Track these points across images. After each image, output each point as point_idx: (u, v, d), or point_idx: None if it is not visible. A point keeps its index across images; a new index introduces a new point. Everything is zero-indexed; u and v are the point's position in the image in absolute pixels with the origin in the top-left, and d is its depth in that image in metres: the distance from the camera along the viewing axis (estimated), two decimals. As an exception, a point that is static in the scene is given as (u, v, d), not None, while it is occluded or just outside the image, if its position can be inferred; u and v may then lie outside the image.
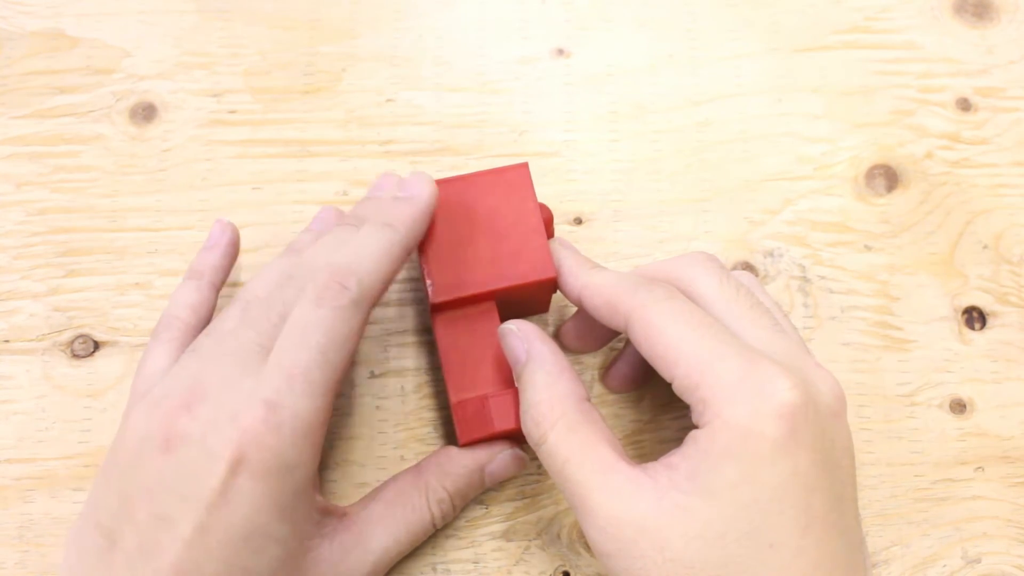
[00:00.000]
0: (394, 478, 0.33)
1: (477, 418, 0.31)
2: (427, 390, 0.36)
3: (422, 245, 0.33)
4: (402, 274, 0.38)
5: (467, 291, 0.32)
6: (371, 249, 0.30)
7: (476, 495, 0.34)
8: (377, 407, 0.36)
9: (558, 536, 0.34)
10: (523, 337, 0.30)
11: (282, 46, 0.41)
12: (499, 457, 0.33)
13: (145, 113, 0.40)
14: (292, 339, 0.28)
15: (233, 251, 0.35)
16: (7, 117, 0.40)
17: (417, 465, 0.33)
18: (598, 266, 0.32)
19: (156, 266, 0.37)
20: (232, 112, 0.40)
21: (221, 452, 0.26)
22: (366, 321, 0.29)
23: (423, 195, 0.32)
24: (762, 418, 0.26)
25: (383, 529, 0.31)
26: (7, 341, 0.36)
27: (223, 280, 0.34)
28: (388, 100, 0.40)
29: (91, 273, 0.37)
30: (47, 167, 0.39)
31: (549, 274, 0.32)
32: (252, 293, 0.30)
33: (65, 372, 0.36)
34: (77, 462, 0.35)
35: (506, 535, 0.34)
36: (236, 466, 0.26)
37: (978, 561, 0.35)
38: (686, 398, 0.28)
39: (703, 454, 0.26)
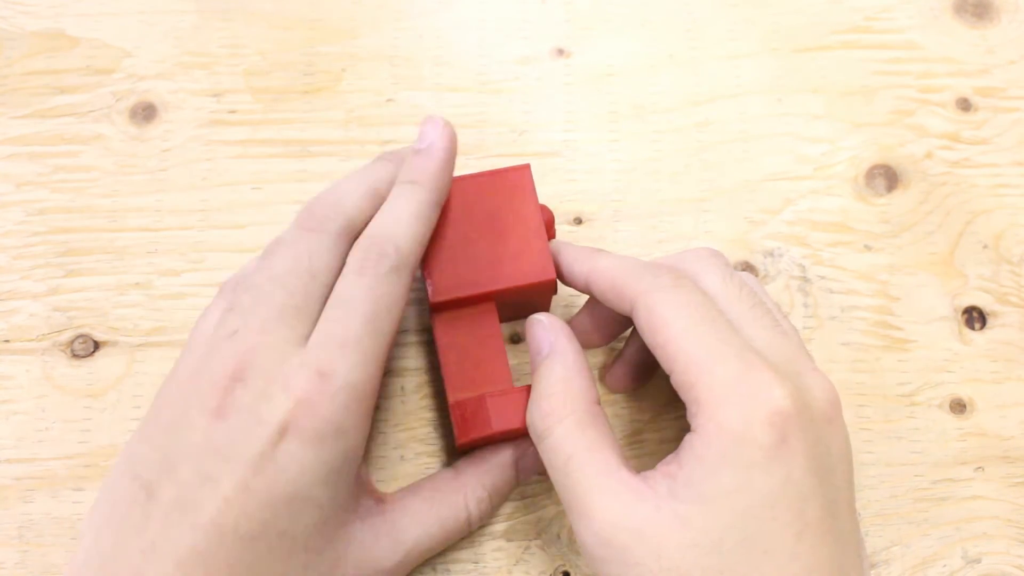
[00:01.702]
0: (431, 476, 0.33)
1: (475, 418, 0.31)
2: (427, 390, 0.36)
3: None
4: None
5: (466, 291, 0.32)
6: (403, 212, 0.30)
7: (510, 493, 0.34)
8: (377, 407, 0.36)
9: (558, 536, 0.34)
10: (550, 330, 0.30)
11: (282, 46, 0.41)
12: (530, 451, 0.33)
13: (145, 113, 0.40)
14: (340, 309, 0.28)
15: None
16: (7, 117, 0.40)
17: (454, 466, 0.33)
18: (602, 251, 0.32)
19: (156, 266, 0.37)
20: (232, 112, 0.40)
21: (272, 419, 0.27)
22: (409, 286, 0.30)
23: (440, 145, 0.31)
24: (754, 425, 0.26)
25: (417, 522, 0.31)
26: (7, 341, 0.36)
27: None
28: (388, 100, 0.40)
29: (91, 273, 0.37)
30: (47, 167, 0.39)
31: (549, 275, 0.32)
32: (280, 255, 0.30)
33: (65, 372, 0.36)
34: (77, 462, 0.35)
35: (506, 535, 0.34)
36: (286, 431, 0.26)
37: (978, 561, 0.35)
38: (681, 395, 0.28)
39: (699, 460, 0.26)
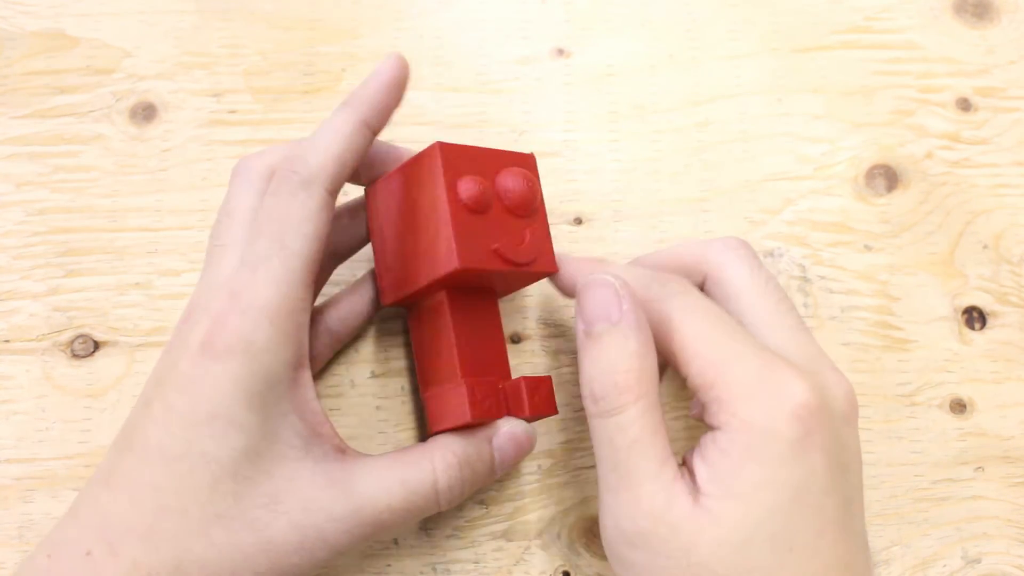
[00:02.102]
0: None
1: (442, 411, 0.31)
2: (427, 390, 0.36)
3: (374, 249, 0.33)
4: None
5: (401, 292, 0.32)
6: (322, 132, 0.30)
7: (486, 476, 0.31)
8: (378, 407, 0.36)
9: (558, 536, 0.34)
10: (624, 295, 0.28)
11: (282, 46, 0.41)
12: (504, 429, 0.31)
13: (145, 113, 0.40)
14: (253, 232, 0.29)
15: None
16: (7, 117, 0.40)
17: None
18: (607, 261, 0.32)
19: (156, 266, 0.37)
20: (232, 112, 0.40)
21: (194, 340, 0.28)
22: (326, 206, 0.29)
23: (382, 69, 0.31)
24: (779, 419, 0.26)
25: (375, 476, 0.29)
26: (7, 341, 0.36)
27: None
28: (388, 100, 0.40)
29: (91, 273, 0.37)
30: (47, 167, 0.39)
31: (453, 265, 0.29)
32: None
33: (65, 372, 0.36)
34: (77, 462, 0.35)
35: (506, 535, 0.34)
36: (203, 348, 0.27)
37: (978, 561, 0.35)
38: (700, 396, 0.27)
39: (723, 455, 0.26)
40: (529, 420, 0.32)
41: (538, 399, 0.31)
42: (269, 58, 0.41)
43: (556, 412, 0.32)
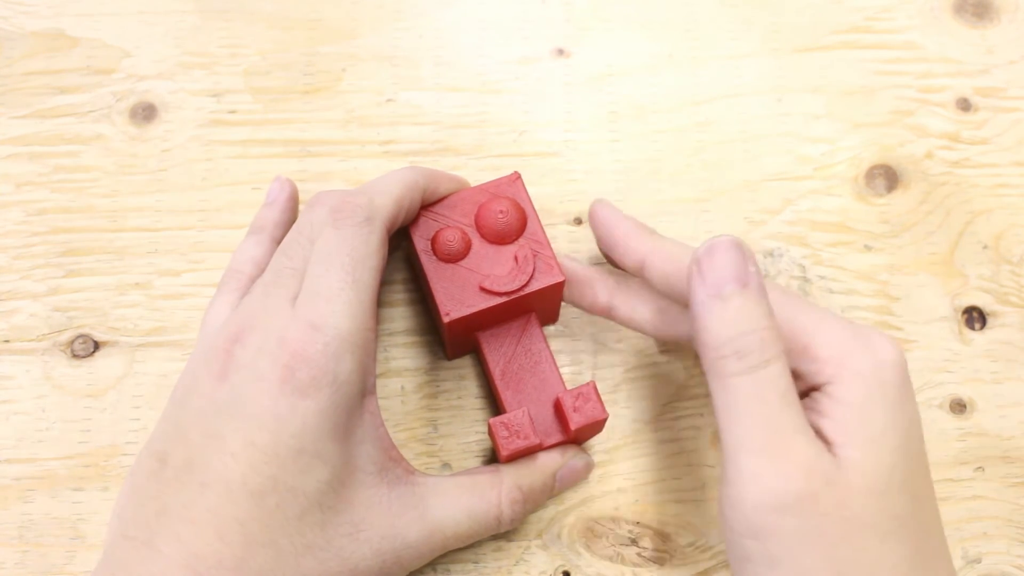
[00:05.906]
0: (469, 469, 0.33)
1: (495, 444, 0.32)
2: (427, 390, 0.36)
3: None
4: (400, 275, 0.38)
5: (444, 340, 0.34)
6: (385, 177, 0.32)
7: (544, 501, 0.33)
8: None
9: (558, 536, 0.34)
10: (750, 259, 0.27)
11: (282, 46, 0.41)
12: (571, 461, 0.33)
13: (145, 113, 0.40)
14: (321, 265, 0.29)
15: (292, 206, 0.36)
16: (7, 117, 0.40)
17: (494, 465, 0.33)
18: (655, 232, 0.32)
19: (156, 266, 0.37)
20: (232, 112, 0.40)
21: (271, 374, 0.27)
22: (385, 242, 0.31)
23: (455, 176, 0.35)
24: (884, 368, 0.27)
25: (447, 504, 0.30)
26: (7, 341, 0.36)
27: (283, 234, 0.34)
28: (388, 100, 0.40)
29: (91, 273, 0.37)
30: (47, 167, 0.39)
31: (446, 320, 0.32)
32: (288, 235, 0.32)
33: (65, 372, 0.36)
34: (77, 462, 0.35)
35: (506, 535, 0.34)
36: (285, 384, 0.27)
37: (978, 561, 0.35)
38: (793, 363, 0.28)
39: (844, 405, 0.27)
40: (583, 432, 0.32)
41: (583, 409, 0.32)
42: (269, 58, 0.41)
43: (606, 415, 0.32)
